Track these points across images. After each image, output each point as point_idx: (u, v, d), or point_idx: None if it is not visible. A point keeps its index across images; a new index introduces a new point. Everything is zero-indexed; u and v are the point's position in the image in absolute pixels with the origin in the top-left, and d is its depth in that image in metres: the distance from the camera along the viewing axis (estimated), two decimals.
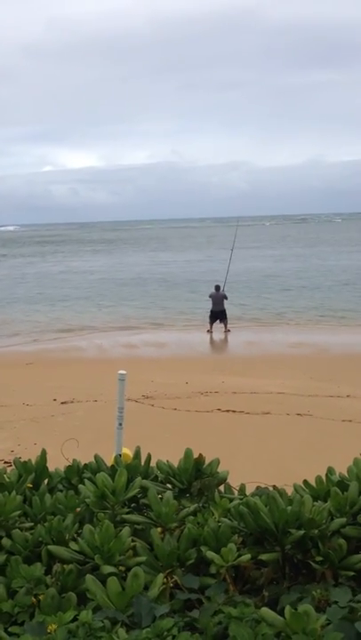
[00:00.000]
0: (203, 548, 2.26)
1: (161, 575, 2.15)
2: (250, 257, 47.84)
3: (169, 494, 2.58)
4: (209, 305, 21.81)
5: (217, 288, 21.86)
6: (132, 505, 2.69)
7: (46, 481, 2.93)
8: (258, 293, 30.05)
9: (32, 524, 2.53)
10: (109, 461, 3.03)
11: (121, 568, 2.20)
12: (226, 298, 21.58)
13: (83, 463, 3.04)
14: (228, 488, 2.84)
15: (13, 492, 2.59)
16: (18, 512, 2.51)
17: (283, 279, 35.88)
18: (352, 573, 2.21)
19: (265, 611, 1.81)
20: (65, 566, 2.21)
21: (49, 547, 2.30)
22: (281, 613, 1.79)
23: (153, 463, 2.97)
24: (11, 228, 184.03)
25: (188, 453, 2.84)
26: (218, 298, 21.49)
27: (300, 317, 23.97)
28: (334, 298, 28.27)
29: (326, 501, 2.45)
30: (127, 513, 2.55)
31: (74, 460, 3.08)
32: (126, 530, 2.31)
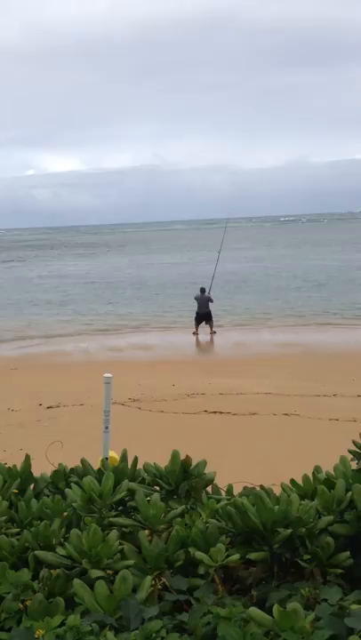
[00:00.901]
0: (191, 550, 2.25)
1: (149, 577, 2.14)
2: (228, 259, 48.05)
3: (156, 496, 2.57)
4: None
5: (202, 290, 21.90)
6: (120, 508, 2.68)
7: (32, 486, 2.91)
8: (229, 295, 29.98)
9: (18, 529, 2.51)
10: (96, 465, 3.01)
11: (109, 571, 2.19)
12: (211, 301, 21.60)
13: (69, 467, 3.02)
14: (216, 489, 2.84)
15: None
16: (4, 518, 2.49)
17: (255, 282, 35.91)
18: (340, 571, 2.21)
19: (253, 610, 1.81)
20: (52, 571, 2.19)
21: (36, 552, 2.28)
22: (270, 612, 1.79)
23: (140, 466, 2.96)
24: None
25: (174, 455, 2.83)
26: (203, 300, 21.55)
27: (270, 319, 24.06)
28: (299, 300, 28.45)
29: (314, 500, 2.45)
30: (115, 516, 2.54)
31: (60, 464, 3.06)
32: (114, 533, 2.30)
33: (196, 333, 21.16)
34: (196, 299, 21.87)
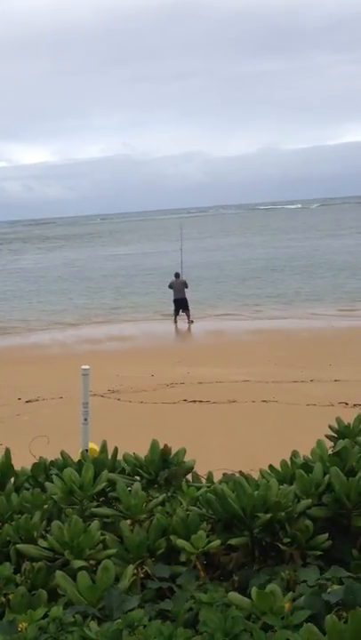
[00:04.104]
0: (172, 537, 2.27)
1: (131, 566, 2.16)
2: (209, 248, 48.02)
3: (137, 486, 2.58)
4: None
5: (177, 275, 21.86)
6: (101, 499, 2.68)
7: (12, 480, 2.90)
8: (206, 284, 29.76)
9: None
10: (76, 457, 3.01)
11: (91, 562, 2.20)
12: (186, 286, 21.51)
13: (50, 460, 3.02)
14: (196, 477, 2.86)
15: None
16: None
17: (232, 270, 35.87)
18: (319, 553, 2.25)
19: (233, 594, 1.84)
20: (34, 564, 2.20)
21: (17, 545, 2.28)
22: (251, 596, 1.81)
23: (120, 456, 2.96)
24: None
25: (154, 444, 2.85)
26: (178, 285, 21.47)
27: (247, 307, 24.09)
28: (278, 286, 28.53)
29: (292, 484, 2.48)
30: (96, 507, 2.55)
31: (40, 457, 3.05)
32: (95, 524, 2.31)
33: (175, 322, 21.25)
34: (170, 285, 21.78)
